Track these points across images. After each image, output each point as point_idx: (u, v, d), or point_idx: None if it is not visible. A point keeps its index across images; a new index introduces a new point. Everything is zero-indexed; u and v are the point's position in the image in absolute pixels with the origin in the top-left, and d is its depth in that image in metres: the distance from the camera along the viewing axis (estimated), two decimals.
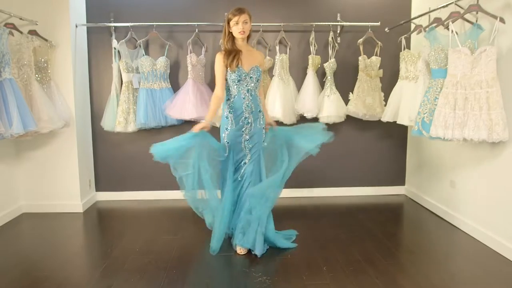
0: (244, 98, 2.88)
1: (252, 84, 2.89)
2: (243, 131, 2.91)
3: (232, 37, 2.85)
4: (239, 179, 2.96)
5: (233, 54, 2.82)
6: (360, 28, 4.08)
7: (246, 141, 2.93)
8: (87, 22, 4.05)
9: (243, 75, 2.84)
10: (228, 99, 2.91)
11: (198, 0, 4.14)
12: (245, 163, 2.95)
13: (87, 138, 4.15)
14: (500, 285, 2.46)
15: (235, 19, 2.76)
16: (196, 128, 2.80)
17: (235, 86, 2.87)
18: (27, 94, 3.43)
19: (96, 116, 4.18)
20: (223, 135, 2.94)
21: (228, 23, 2.81)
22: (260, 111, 2.96)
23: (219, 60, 2.84)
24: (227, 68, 2.84)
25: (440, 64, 3.03)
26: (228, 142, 2.93)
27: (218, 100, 2.88)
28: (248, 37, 2.94)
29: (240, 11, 2.76)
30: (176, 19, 4.07)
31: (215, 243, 2.89)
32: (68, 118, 3.72)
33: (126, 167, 4.28)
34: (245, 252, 2.88)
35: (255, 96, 2.93)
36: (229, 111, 2.90)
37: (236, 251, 2.89)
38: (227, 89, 2.92)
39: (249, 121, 2.91)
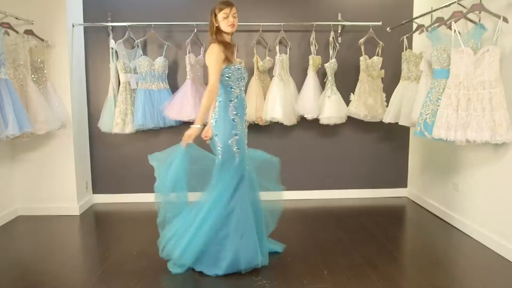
0: (244, 99, 2.75)
1: (244, 83, 2.75)
2: (245, 135, 2.76)
3: (219, 31, 2.64)
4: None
5: (230, 47, 2.67)
6: (361, 28, 4.07)
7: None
8: (84, 21, 4.04)
9: (243, 73, 2.70)
10: (231, 100, 2.65)
11: None
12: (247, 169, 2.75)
13: (84, 139, 4.13)
14: None
15: (226, 11, 2.58)
16: (186, 140, 2.58)
17: (237, 85, 2.68)
18: (23, 95, 3.41)
19: (93, 117, 4.16)
20: (230, 141, 2.62)
21: (215, 16, 2.62)
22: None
23: (218, 51, 2.57)
24: (224, 63, 2.63)
25: (443, 64, 3.00)
26: (238, 149, 2.64)
27: (215, 96, 2.63)
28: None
29: (228, 3, 2.60)
30: (174, 19, 4.05)
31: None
32: (64, 119, 3.70)
33: (124, 169, 4.26)
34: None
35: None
36: (236, 113, 2.66)
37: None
38: (227, 88, 2.65)
39: (247, 124, 2.80)
